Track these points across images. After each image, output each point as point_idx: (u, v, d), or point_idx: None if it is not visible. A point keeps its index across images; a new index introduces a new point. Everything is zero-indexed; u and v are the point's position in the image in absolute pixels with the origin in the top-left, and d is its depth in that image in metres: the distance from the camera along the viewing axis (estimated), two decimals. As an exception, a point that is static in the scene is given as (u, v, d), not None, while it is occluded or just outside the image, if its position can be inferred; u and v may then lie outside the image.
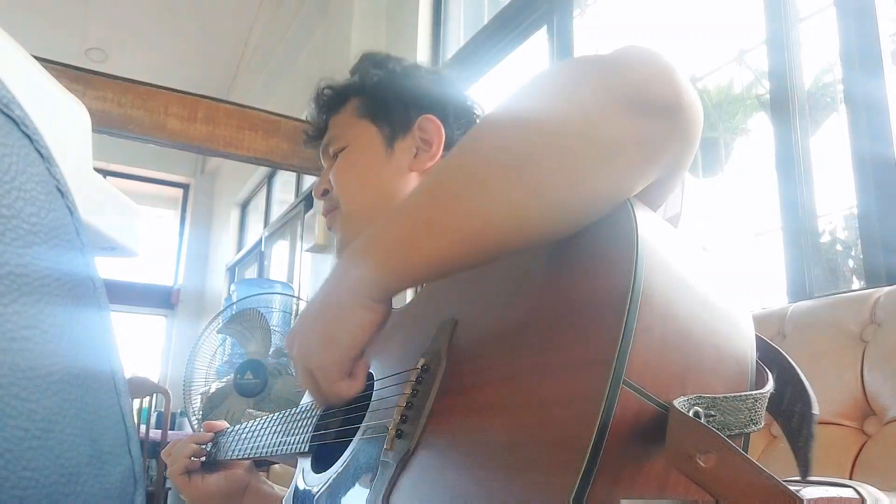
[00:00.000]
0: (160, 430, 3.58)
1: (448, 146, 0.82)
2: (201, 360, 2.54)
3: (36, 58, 0.58)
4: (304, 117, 3.84)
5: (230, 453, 0.93)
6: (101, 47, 5.27)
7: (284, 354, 2.40)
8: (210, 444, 1.00)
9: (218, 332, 2.53)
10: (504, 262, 0.49)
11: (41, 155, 0.26)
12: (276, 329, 2.48)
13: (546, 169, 0.43)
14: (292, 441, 0.77)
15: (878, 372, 0.88)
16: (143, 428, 3.57)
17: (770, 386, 0.39)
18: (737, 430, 0.36)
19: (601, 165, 0.43)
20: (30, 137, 0.25)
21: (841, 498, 0.38)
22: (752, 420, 0.36)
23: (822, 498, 0.37)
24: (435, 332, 0.55)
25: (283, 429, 0.82)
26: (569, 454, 0.33)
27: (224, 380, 2.45)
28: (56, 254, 0.25)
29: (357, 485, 0.56)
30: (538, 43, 2.56)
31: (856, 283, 1.47)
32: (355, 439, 0.61)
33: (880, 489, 0.39)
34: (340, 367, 0.51)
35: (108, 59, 5.29)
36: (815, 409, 0.41)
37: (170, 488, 3.96)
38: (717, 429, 0.34)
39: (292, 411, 0.83)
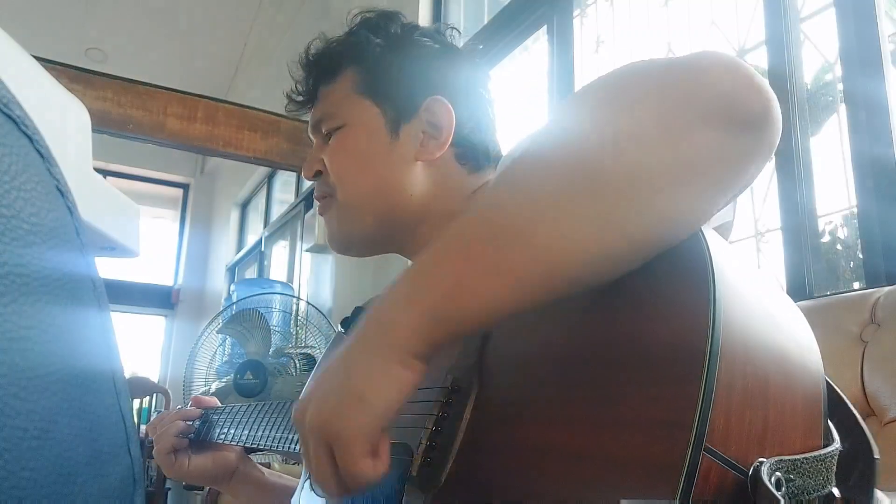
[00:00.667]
0: (160, 430, 3.58)
1: (457, 132, 0.72)
2: (201, 360, 2.54)
3: (36, 58, 0.58)
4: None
5: (223, 437, 0.88)
6: (101, 47, 5.26)
7: (284, 354, 2.40)
8: (199, 421, 0.95)
9: (218, 332, 2.53)
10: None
11: (41, 155, 0.26)
12: (276, 329, 2.48)
13: (624, 194, 0.37)
14: (295, 438, 0.73)
15: (877, 372, 0.88)
16: (142, 428, 3.57)
17: (837, 442, 0.36)
18: (815, 493, 0.34)
19: (685, 187, 0.38)
20: (30, 137, 0.25)
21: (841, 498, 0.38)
22: (828, 480, 0.34)
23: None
24: (461, 346, 0.50)
25: (286, 423, 0.78)
26: None
27: (224, 380, 2.45)
28: (56, 254, 0.25)
29: None
30: (538, 43, 2.56)
31: (856, 284, 1.47)
32: None
33: (880, 489, 0.39)
34: (368, 438, 0.41)
35: (107, 58, 5.29)
36: (876, 455, 0.38)
37: (170, 488, 3.96)
38: (796, 494, 0.33)
39: (293, 401, 0.77)
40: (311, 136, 0.81)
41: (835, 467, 0.35)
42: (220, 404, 0.97)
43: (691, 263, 0.37)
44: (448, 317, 0.40)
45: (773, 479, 0.31)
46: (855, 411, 0.41)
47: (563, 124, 0.43)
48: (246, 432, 0.84)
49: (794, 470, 0.33)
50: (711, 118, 0.38)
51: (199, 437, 0.93)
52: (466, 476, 0.43)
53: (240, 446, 0.91)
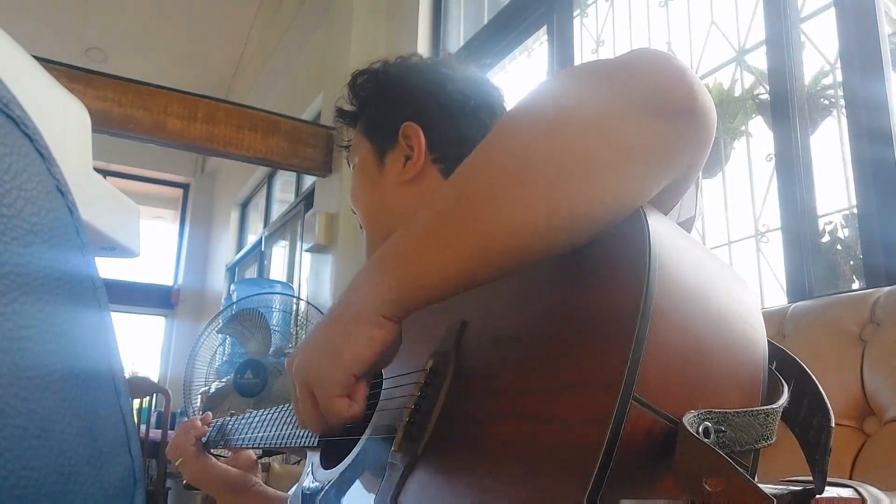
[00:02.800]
0: (160, 430, 3.59)
1: (435, 149, 0.79)
2: (201, 359, 2.54)
3: (36, 58, 0.58)
4: (303, 117, 3.86)
5: (238, 442, 0.94)
6: (101, 47, 5.27)
7: (284, 354, 2.40)
8: (213, 429, 1.02)
9: (218, 332, 2.53)
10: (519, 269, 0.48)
11: (41, 155, 0.26)
12: (276, 329, 2.48)
13: (564, 175, 0.42)
14: (302, 433, 0.78)
15: (877, 372, 0.88)
16: (143, 428, 3.57)
17: (784, 400, 0.39)
18: (748, 446, 0.35)
19: (620, 169, 0.42)
20: (30, 137, 0.25)
21: (841, 498, 0.38)
22: (763, 436, 0.36)
23: (823, 498, 0.37)
24: (444, 333, 0.55)
25: (294, 420, 0.82)
26: (579, 469, 0.33)
27: (224, 379, 2.45)
28: (56, 253, 0.25)
29: (364, 484, 0.56)
30: (538, 43, 2.56)
31: (856, 283, 1.47)
32: (363, 437, 0.61)
33: (880, 489, 0.39)
34: (341, 383, 0.50)
35: (108, 58, 5.29)
36: (833, 423, 0.40)
37: (170, 488, 3.96)
38: (728, 444, 0.34)
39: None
40: None
41: (774, 425, 0.37)
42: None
43: (632, 239, 0.41)
44: (414, 280, 0.47)
45: (700, 428, 0.33)
46: (812, 375, 0.43)
47: (519, 113, 0.48)
48: (261, 433, 0.89)
49: (725, 422, 0.35)
50: (643, 108, 0.43)
51: (214, 445, 1.00)
52: (439, 445, 0.47)
53: (249, 460, 0.99)
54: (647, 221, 0.41)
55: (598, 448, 0.33)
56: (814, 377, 0.43)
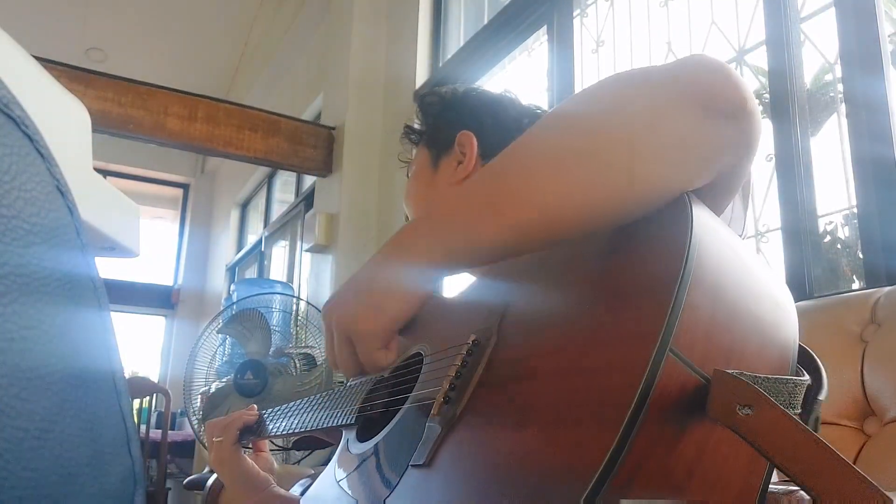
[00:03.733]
0: (160, 430, 3.59)
1: (486, 155, 0.87)
2: (201, 359, 2.54)
3: (36, 58, 0.58)
4: (304, 117, 3.86)
5: (274, 430, 0.96)
6: (101, 47, 5.27)
7: (285, 354, 2.40)
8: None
9: (218, 332, 2.52)
10: (558, 251, 0.51)
11: (41, 155, 0.26)
12: (276, 329, 2.48)
13: (613, 155, 0.45)
14: (339, 414, 0.80)
15: (878, 372, 0.88)
16: (143, 428, 3.57)
17: (808, 378, 0.40)
18: None
19: (666, 158, 0.45)
20: (30, 137, 0.25)
21: (842, 498, 0.38)
22: (790, 404, 0.37)
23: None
24: (486, 314, 0.57)
25: (330, 404, 0.84)
26: (610, 413, 0.34)
27: (224, 380, 2.45)
28: (56, 254, 0.25)
29: (402, 447, 0.57)
30: (538, 43, 2.56)
31: (856, 283, 1.47)
32: (403, 408, 0.62)
33: (881, 489, 0.39)
34: (382, 337, 0.53)
35: (108, 58, 5.29)
36: (824, 395, 0.42)
37: (170, 488, 3.96)
38: None
39: (339, 390, 0.86)
40: None
41: (800, 397, 0.38)
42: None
43: (675, 218, 0.43)
44: (456, 247, 0.49)
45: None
46: (816, 357, 0.44)
47: (572, 104, 0.52)
48: (295, 420, 0.91)
49: (756, 383, 0.35)
50: (697, 105, 0.45)
51: (254, 434, 1.01)
52: (479, 405, 0.48)
53: (269, 464, 1.01)
54: (690, 204, 0.43)
55: (632, 394, 0.33)
56: (817, 358, 0.44)
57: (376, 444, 0.62)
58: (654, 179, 0.45)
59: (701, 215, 0.42)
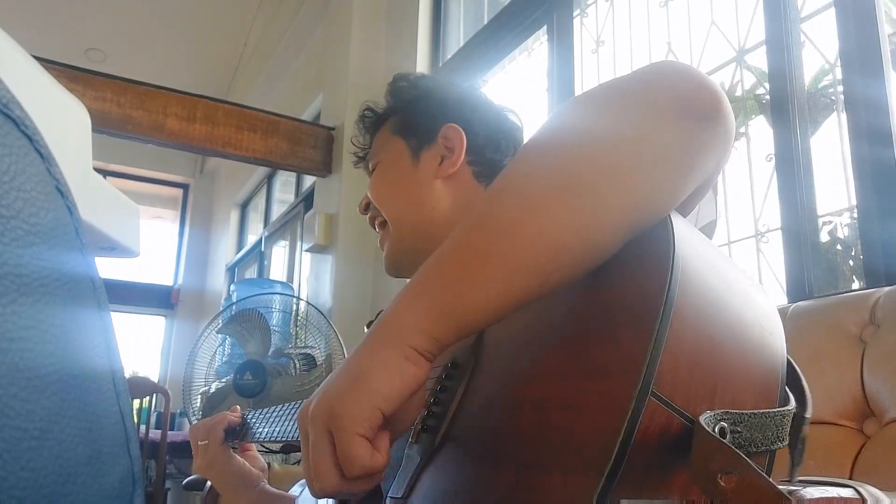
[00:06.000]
0: (160, 430, 3.58)
1: (472, 152, 0.85)
2: (201, 360, 2.54)
3: (36, 58, 0.58)
4: (303, 117, 3.86)
5: (258, 435, 0.95)
6: (101, 47, 5.26)
7: (284, 354, 2.40)
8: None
9: (218, 333, 2.52)
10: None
11: (41, 155, 0.26)
12: (276, 329, 2.48)
13: (606, 186, 0.42)
14: None
15: (877, 373, 0.88)
16: (142, 428, 3.57)
17: (793, 403, 0.39)
18: (763, 447, 0.36)
19: (657, 171, 0.44)
20: (30, 137, 0.25)
21: (841, 498, 0.38)
22: (778, 437, 0.36)
23: (823, 498, 0.37)
24: None
25: None
26: (593, 458, 0.33)
27: (224, 380, 2.45)
28: (55, 254, 0.25)
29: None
30: (538, 43, 2.56)
31: (856, 284, 1.47)
32: None
33: (880, 489, 0.39)
34: (365, 419, 0.42)
35: (107, 59, 5.29)
36: (809, 413, 0.41)
37: (169, 488, 3.96)
38: (743, 445, 0.34)
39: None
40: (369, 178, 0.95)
41: (787, 427, 0.37)
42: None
43: (657, 242, 0.41)
44: (450, 312, 0.43)
45: (716, 428, 0.34)
46: (797, 367, 0.43)
47: (550, 133, 0.48)
48: (278, 428, 0.90)
49: (741, 423, 0.35)
50: (671, 115, 0.44)
51: (238, 437, 1.00)
52: (457, 437, 0.47)
53: (261, 462, 1.00)
54: (672, 225, 0.42)
55: (616, 437, 0.33)
56: (798, 369, 0.43)
57: None
58: (648, 202, 0.43)
59: (681, 232, 0.41)
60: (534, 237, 0.42)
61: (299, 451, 1.05)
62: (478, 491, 0.41)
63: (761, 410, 0.36)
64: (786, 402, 0.39)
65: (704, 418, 0.33)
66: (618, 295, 0.42)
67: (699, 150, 0.45)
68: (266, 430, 0.93)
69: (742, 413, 0.35)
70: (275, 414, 0.94)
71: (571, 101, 0.50)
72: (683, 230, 0.42)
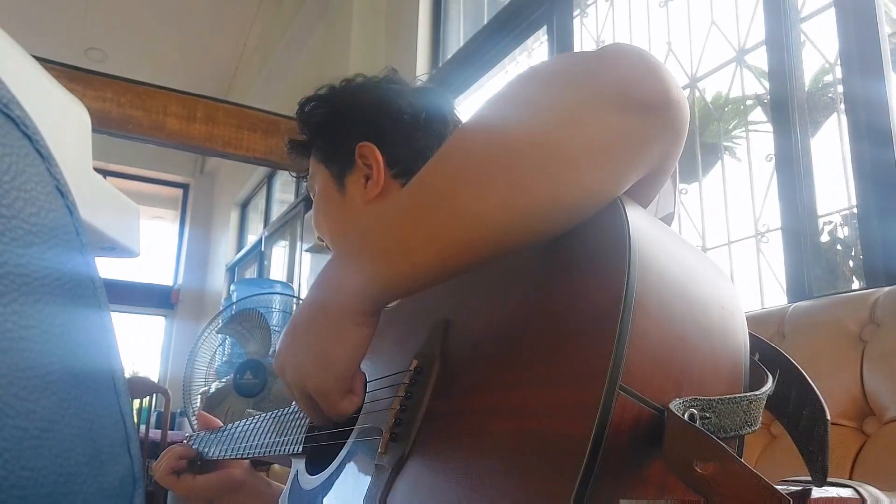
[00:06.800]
0: (160, 430, 3.58)
1: (393, 164, 0.81)
2: (201, 359, 2.54)
3: (36, 58, 0.58)
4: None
5: (222, 453, 0.92)
6: (101, 47, 5.27)
7: (284, 354, 2.40)
8: (198, 443, 0.99)
9: (218, 332, 2.53)
10: (495, 261, 0.48)
11: (41, 155, 0.26)
12: (276, 329, 2.48)
13: (532, 166, 0.42)
14: (286, 441, 0.76)
15: (877, 372, 0.88)
16: (142, 428, 3.57)
17: (768, 387, 0.39)
18: (732, 433, 0.36)
19: (589, 161, 0.43)
20: (30, 137, 0.25)
21: (841, 498, 0.38)
22: (747, 422, 0.36)
23: (822, 498, 0.37)
24: (427, 333, 0.54)
25: (277, 429, 0.81)
26: (567, 460, 0.33)
27: (224, 380, 2.45)
28: (56, 254, 0.25)
29: (351, 488, 0.55)
30: (538, 43, 2.56)
31: (855, 283, 1.47)
32: (349, 441, 0.60)
33: (880, 489, 0.39)
34: (340, 388, 0.51)
35: (107, 59, 5.29)
36: (828, 416, 0.40)
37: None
38: (713, 431, 0.35)
39: (286, 411, 0.82)
40: None
41: (758, 412, 0.37)
42: (221, 425, 1.00)
43: (611, 231, 0.41)
44: (388, 277, 0.47)
45: (686, 414, 0.34)
46: (799, 367, 0.43)
47: (492, 109, 0.48)
48: (244, 444, 0.88)
49: (710, 409, 0.35)
50: (613, 101, 0.43)
51: (203, 459, 0.98)
52: (426, 445, 0.47)
53: (247, 461, 0.95)
54: (626, 213, 0.41)
55: (586, 439, 0.33)
56: (800, 368, 0.43)
57: (326, 479, 0.60)
58: (579, 186, 0.42)
59: (636, 223, 0.40)
60: (461, 210, 0.43)
61: (266, 464, 1.02)
62: (457, 501, 0.41)
63: (729, 396, 0.36)
64: (757, 386, 0.39)
65: (674, 406, 0.34)
66: (578, 291, 0.41)
67: (640, 141, 0.44)
68: (231, 447, 0.90)
69: (710, 399, 0.35)
70: (238, 430, 0.91)
71: (522, 74, 0.49)
72: (638, 217, 0.42)
